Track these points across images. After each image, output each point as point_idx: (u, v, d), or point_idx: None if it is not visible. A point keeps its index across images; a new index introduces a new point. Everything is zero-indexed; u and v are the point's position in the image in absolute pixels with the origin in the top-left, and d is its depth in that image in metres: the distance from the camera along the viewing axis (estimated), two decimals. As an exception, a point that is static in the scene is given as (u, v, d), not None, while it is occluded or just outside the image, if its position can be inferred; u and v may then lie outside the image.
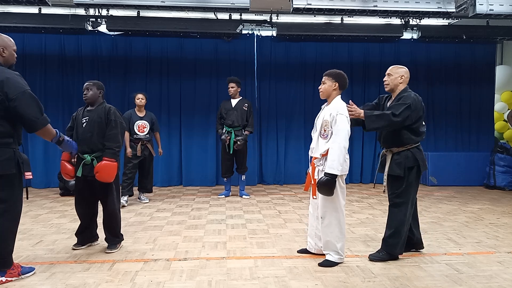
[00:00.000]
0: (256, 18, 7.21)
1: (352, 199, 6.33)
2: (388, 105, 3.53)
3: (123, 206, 5.54)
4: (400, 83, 3.49)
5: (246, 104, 6.31)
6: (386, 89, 3.57)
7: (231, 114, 6.21)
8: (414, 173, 3.41)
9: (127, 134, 5.66)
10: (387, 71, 3.56)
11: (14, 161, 2.86)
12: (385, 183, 3.50)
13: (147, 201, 6.06)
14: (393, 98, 3.53)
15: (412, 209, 3.51)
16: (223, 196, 6.44)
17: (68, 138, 3.32)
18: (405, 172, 3.37)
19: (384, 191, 3.56)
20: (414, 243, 3.65)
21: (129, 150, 5.72)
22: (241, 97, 6.38)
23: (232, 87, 6.27)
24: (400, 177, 3.39)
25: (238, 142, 6.11)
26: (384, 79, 3.57)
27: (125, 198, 5.70)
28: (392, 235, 3.41)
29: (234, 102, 6.30)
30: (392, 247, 3.42)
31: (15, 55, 3.07)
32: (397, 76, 3.49)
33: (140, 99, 5.86)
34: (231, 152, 6.19)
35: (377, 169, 3.67)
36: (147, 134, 5.87)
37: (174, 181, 7.58)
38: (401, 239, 3.42)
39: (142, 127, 5.84)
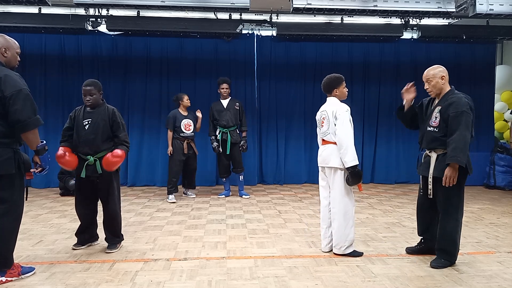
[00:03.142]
0: (256, 18, 7.20)
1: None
2: (432, 108, 3.41)
3: (173, 202, 5.99)
4: (443, 84, 3.36)
5: (237, 104, 6.35)
6: (431, 96, 3.46)
7: (225, 115, 6.23)
8: (462, 176, 3.27)
9: (170, 133, 6.11)
10: (424, 77, 3.41)
11: (14, 161, 2.86)
12: (430, 186, 3.35)
13: (194, 196, 6.44)
14: (437, 101, 3.41)
15: (462, 211, 3.36)
16: (223, 196, 6.44)
17: (47, 154, 3.08)
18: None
19: (429, 194, 3.39)
20: (430, 247, 3.52)
21: (170, 148, 6.09)
22: (230, 97, 6.40)
23: (226, 88, 6.29)
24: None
25: (244, 147, 6.26)
26: (425, 87, 3.42)
27: (173, 195, 6.11)
28: (448, 245, 3.29)
29: (225, 102, 6.32)
30: (452, 256, 3.32)
31: (18, 58, 3.06)
32: (437, 79, 3.35)
33: (188, 100, 6.24)
34: (227, 153, 6.20)
35: (420, 171, 3.52)
36: (192, 132, 6.21)
37: (174, 181, 7.57)
38: (457, 245, 3.32)
39: (188, 126, 6.17)
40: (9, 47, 2.99)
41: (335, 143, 3.52)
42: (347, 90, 3.72)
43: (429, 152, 3.43)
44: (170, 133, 6.13)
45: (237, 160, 6.32)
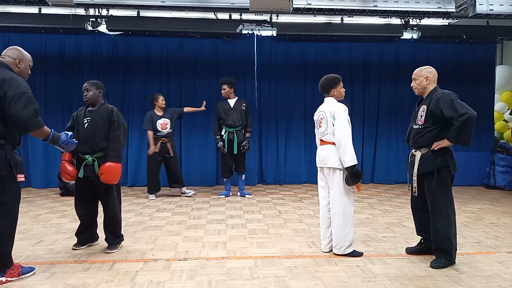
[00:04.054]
0: (256, 18, 7.20)
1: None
2: (418, 107, 3.47)
3: (152, 200, 6.23)
4: (427, 84, 3.43)
5: (244, 104, 6.37)
6: (416, 93, 3.53)
7: (231, 114, 6.23)
8: (446, 174, 3.31)
9: (151, 132, 6.19)
10: (412, 76, 3.52)
11: (6, 163, 2.85)
12: (415, 184, 3.42)
13: (193, 192, 6.56)
14: (423, 100, 3.47)
15: (453, 209, 3.38)
16: (223, 196, 6.44)
17: (64, 138, 3.16)
18: (435, 172, 3.28)
19: (414, 192, 3.46)
20: (430, 247, 3.51)
21: (152, 147, 6.16)
22: (237, 97, 6.41)
23: (224, 89, 6.31)
24: (431, 177, 3.30)
25: (246, 147, 6.26)
26: (411, 85, 3.53)
27: (153, 195, 6.31)
28: (443, 244, 3.31)
29: (231, 102, 6.32)
30: (449, 254, 3.33)
31: (29, 71, 3.13)
32: (422, 78, 3.44)
33: (163, 100, 6.35)
34: (235, 153, 6.21)
35: (407, 170, 3.59)
36: (170, 129, 6.29)
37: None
38: (453, 243, 3.32)
39: (164, 125, 6.26)
40: (23, 59, 3.06)
41: (333, 143, 3.52)
42: (344, 90, 3.73)
43: (414, 151, 3.48)
44: (150, 133, 6.20)
45: (241, 160, 6.34)
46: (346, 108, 3.56)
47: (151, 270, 3.22)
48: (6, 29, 6.55)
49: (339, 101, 3.65)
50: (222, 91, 6.32)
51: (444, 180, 3.31)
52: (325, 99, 3.71)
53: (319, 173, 3.75)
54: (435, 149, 3.30)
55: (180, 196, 6.54)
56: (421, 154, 3.39)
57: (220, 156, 6.44)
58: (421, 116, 3.39)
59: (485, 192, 7.09)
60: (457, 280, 3.04)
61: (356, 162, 3.43)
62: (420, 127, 3.40)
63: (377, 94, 7.97)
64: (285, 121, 7.81)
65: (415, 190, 3.44)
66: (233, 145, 6.20)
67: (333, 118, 3.51)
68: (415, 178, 3.41)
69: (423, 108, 3.39)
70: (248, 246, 3.86)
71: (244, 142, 6.26)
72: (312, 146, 7.71)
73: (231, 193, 6.55)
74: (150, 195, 6.31)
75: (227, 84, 6.32)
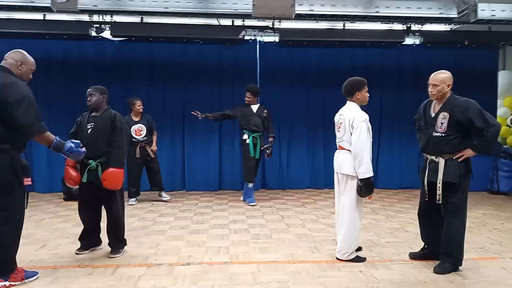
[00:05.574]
0: (258, 24, 7.23)
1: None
2: (436, 113, 3.40)
3: (131, 205, 6.10)
4: (447, 91, 3.39)
5: (265, 111, 6.43)
6: (432, 99, 3.44)
7: (254, 119, 6.27)
8: (468, 180, 3.36)
9: None
10: (432, 81, 3.40)
11: (10, 168, 2.85)
12: (439, 192, 3.34)
13: (169, 197, 6.50)
14: (439, 106, 3.41)
15: (466, 216, 3.40)
16: (255, 203, 6.20)
17: (70, 146, 3.08)
18: (460, 179, 3.30)
19: (438, 199, 3.36)
20: (434, 252, 3.53)
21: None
22: (259, 104, 6.47)
23: (247, 97, 6.34)
24: (456, 184, 3.29)
25: (268, 151, 6.28)
26: (430, 90, 3.40)
27: (134, 199, 6.23)
28: (453, 248, 3.31)
29: (254, 108, 6.38)
30: (457, 260, 3.33)
31: (31, 75, 3.15)
32: (444, 85, 3.37)
33: (141, 106, 6.29)
34: (256, 157, 6.24)
35: (425, 176, 3.46)
36: (144, 136, 6.24)
37: (177, 186, 7.58)
38: (463, 249, 3.35)
39: (138, 131, 6.23)
40: (25, 62, 3.07)
41: (349, 150, 3.50)
42: (368, 95, 3.66)
43: (435, 157, 3.40)
44: None
45: (258, 165, 6.40)
46: (367, 117, 3.47)
47: (154, 275, 3.23)
48: (11, 35, 6.60)
49: (361, 107, 3.59)
50: (246, 99, 6.35)
51: (466, 186, 3.34)
52: (348, 102, 3.64)
53: (335, 178, 3.73)
54: (460, 160, 3.31)
55: (183, 201, 6.54)
56: (445, 160, 3.33)
57: (244, 160, 6.39)
58: (442, 123, 3.34)
59: (488, 198, 7.06)
60: (461, 286, 3.03)
61: (372, 174, 3.39)
62: (443, 134, 3.34)
63: (380, 100, 7.97)
64: (288, 126, 7.81)
65: (439, 198, 3.34)
66: (256, 150, 6.21)
67: (351, 127, 3.46)
68: (439, 185, 3.33)
69: (444, 115, 3.33)
70: (251, 251, 3.86)
71: (269, 146, 6.26)
72: (315, 151, 7.70)
73: (234, 198, 6.52)
74: (130, 200, 6.17)
75: (252, 92, 6.34)
